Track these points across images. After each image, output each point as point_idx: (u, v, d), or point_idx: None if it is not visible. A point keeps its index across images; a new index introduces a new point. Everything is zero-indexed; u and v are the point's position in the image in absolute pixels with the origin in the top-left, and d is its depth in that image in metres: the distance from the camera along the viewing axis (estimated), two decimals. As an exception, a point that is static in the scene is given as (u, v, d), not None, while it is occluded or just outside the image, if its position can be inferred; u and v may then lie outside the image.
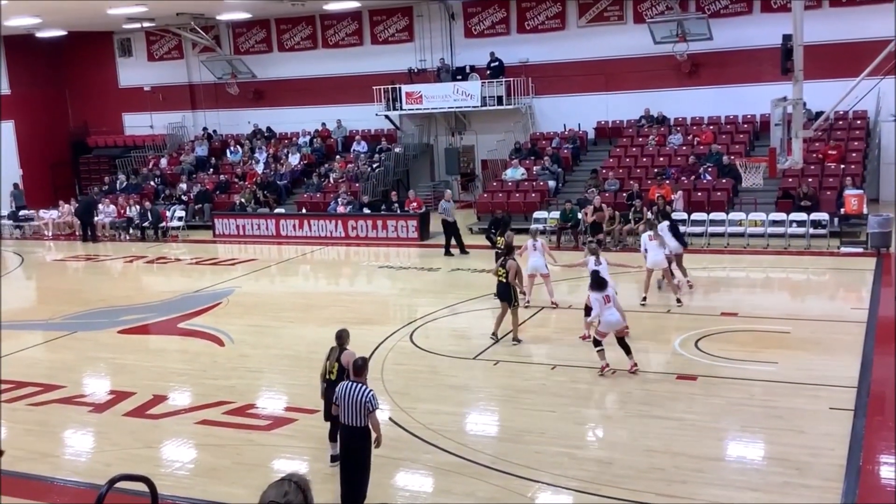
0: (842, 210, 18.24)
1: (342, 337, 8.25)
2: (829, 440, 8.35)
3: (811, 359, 10.88)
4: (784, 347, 11.34)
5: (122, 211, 25.18)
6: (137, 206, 24.95)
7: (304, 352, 12.33)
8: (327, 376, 8.21)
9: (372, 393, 7.05)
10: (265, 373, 11.63)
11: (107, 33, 30.76)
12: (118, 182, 28.00)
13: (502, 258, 12.12)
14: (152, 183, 27.55)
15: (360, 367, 7.20)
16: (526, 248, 13.84)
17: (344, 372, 7.89)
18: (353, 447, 7.13)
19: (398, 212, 22.07)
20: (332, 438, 8.19)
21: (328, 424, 8.25)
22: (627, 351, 10.41)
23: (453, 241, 19.33)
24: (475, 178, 26.66)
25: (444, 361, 11.56)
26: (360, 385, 7.06)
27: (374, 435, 7.10)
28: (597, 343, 10.47)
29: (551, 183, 22.49)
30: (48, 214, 26.54)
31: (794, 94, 14.05)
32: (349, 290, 17.53)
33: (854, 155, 20.78)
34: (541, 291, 14.19)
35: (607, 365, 10.40)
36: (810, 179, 19.57)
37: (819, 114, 18.60)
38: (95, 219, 24.86)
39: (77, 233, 25.20)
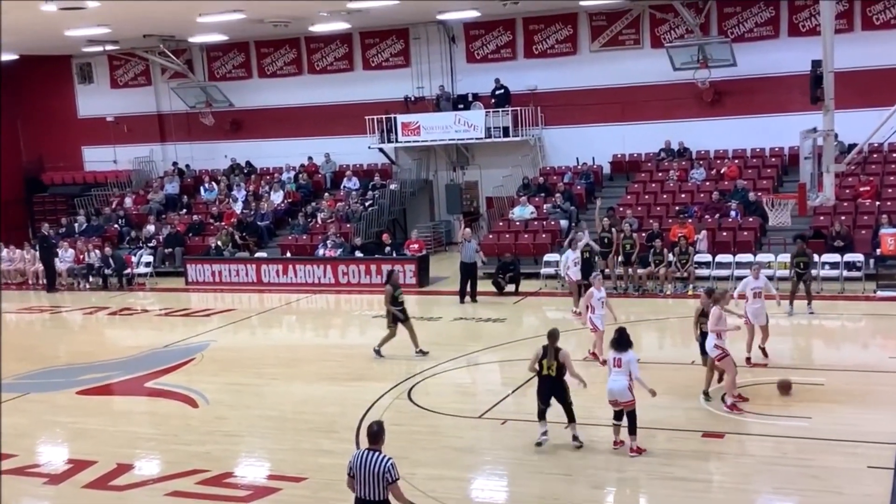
0: (877, 251, 18.80)
1: (555, 335, 10.48)
2: (869, 501, 8.76)
3: (847, 413, 11.33)
4: (818, 400, 11.80)
5: (82, 256, 25.42)
6: (98, 251, 25.27)
7: (290, 412, 12.63)
8: (546, 371, 10.37)
9: (391, 462, 7.06)
10: (245, 437, 11.90)
11: (64, 57, 31.19)
12: (77, 224, 28.27)
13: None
14: (116, 225, 27.92)
15: (376, 433, 7.20)
16: (591, 295, 13.92)
17: (563, 370, 10.36)
18: None
19: (393, 255, 22.56)
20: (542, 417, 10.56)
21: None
22: (631, 429, 10.24)
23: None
24: (479, 218, 27.07)
25: (447, 421, 11.91)
26: (377, 454, 7.11)
27: None
28: (613, 415, 10.45)
29: (563, 222, 22.92)
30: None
31: (824, 124, 14.61)
32: (340, 342, 17.91)
33: (890, 191, 21.35)
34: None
35: (618, 442, 10.45)
36: (843, 217, 20.12)
37: (852, 146, 19.21)
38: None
39: (39, 281, 25.31)
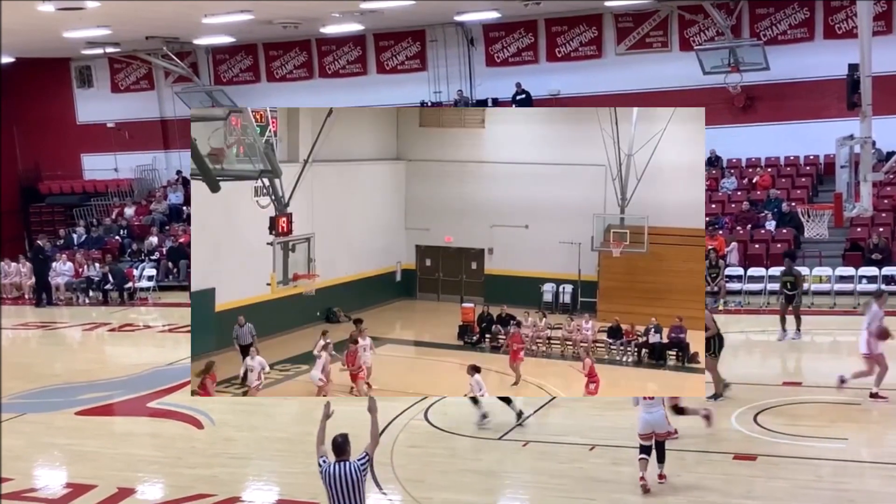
0: (918, 264, 18.93)
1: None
2: (907, 527, 8.90)
3: (885, 434, 11.48)
4: (854, 421, 11.90)
5: (81, 270, 25.82)
6: (98, 264, 25.66)
7: (300, 433, 12.66)
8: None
9: (355, 460, 7.34)
10: (253, 459, 12.03)
11: (62, 60, 31.51)
12: (76, 235, 28.68)
13: None
14: (117, 236, 28.29)
15: (341, 444, 7.43)
16: None
17: None
18: None
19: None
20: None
21: None
22: (661, 457, 10.20)
23: None
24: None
25: (465, 442, 12.05)
26: (346, 463, 7.35)
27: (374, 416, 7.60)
28: (641, 449, 10.31)
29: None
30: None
31: (861, 131, 14.74)
32: (352, 359, 18.09)
33: (930, 201, 21.45)
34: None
35: (643, 479, 10.22)
36: (881, 229, 20.28)
37: (891, 154, 19.41)
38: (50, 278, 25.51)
39: (30, 296, 25.80)
